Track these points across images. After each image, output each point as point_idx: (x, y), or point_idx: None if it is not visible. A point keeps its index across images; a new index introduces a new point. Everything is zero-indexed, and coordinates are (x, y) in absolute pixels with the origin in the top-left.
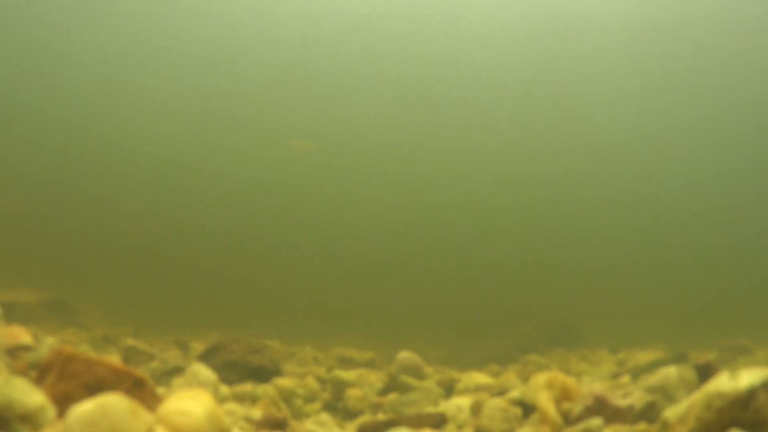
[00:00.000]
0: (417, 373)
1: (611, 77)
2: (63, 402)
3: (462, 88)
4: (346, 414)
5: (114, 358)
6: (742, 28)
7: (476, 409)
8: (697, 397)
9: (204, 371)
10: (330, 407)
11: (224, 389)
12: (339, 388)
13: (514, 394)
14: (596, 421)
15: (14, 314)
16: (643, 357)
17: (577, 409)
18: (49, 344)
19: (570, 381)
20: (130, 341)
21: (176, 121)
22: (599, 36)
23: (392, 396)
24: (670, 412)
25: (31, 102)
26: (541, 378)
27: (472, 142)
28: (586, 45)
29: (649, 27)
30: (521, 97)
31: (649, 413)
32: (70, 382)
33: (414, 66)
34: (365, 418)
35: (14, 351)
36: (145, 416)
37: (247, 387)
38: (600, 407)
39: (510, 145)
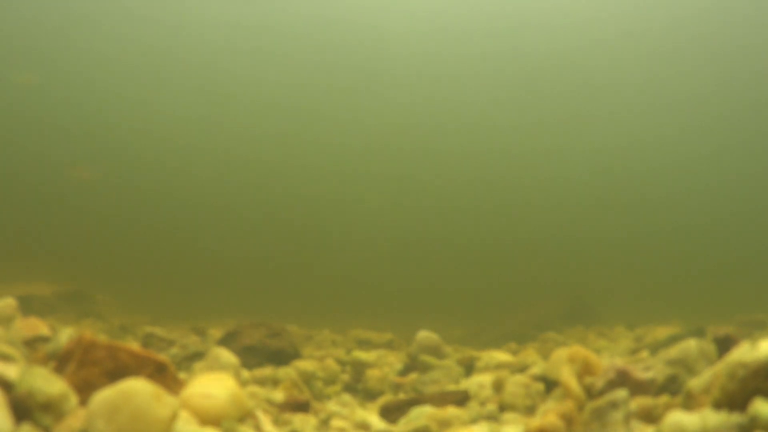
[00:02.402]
0: (436, 352)
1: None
2: (84, 390)
3: (478, 76)
4: (367, 395)
5: (134, 345)
6: (748, 21)
7: (498, 386)
8: (721, 367)
9: (225, 355)
10: (350, 389)
11: (245, 373)
12: (359, 369)
13: (535, 370)
14: (622, 393)
15: (31, 307)
16: (661, 332)
17: (599, 383)
18: (67, 334)
19: (592, 355)
20: (149, 328)
21: (187, 105)
22: (601, 32)
23: (412, 376)
24: (694, 383)
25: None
26: (562, 353)
27: (489, 122)
28: (588, 41)
29: (652, 22)
30: (536, 78)
31: (670, 386)
32: (91, 369)
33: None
34: (386, 398)
35: (32, 342)
36: (169, 400)
37: (267, 371)
38: (622, 380)
39: (523, 124)
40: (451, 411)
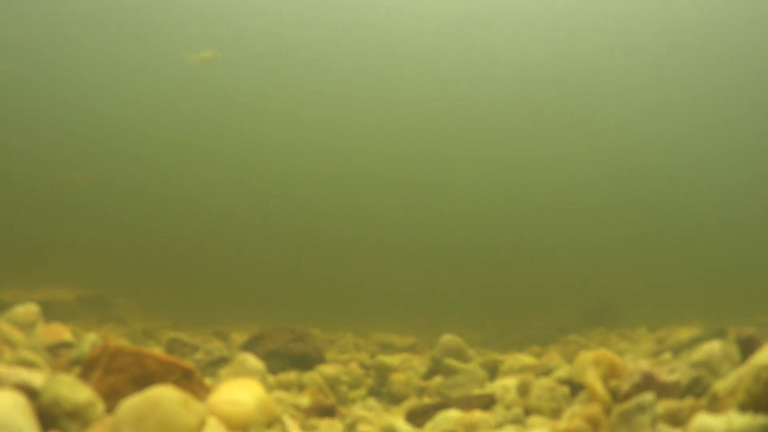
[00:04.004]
0: (460, 355)
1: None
2: (111, 397)
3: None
4: (391, 399)
5: (158, 351)
6: (751, 23)
7: (524, 390)
8: (746, 369)
9: (251, 360)
10: (374, 393)
11: (270, 378)
12: (383, 373)
13: (561, 373)
14: (649, 396)
15: (52, 312)
16: (683, 334)
17: (625, 386)
18: (90, 340)
19: (617, 358)
20: (173, 334)
21: (205, 109)
22: (609, 33)
23: (437, 379)
24: (720, 386)
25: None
26: (588, 356)
27: (509, 125)
28: (595, 42)
29: (655, 25)
30: (552, 80)
31: (695, 388)
32: (117, 376)
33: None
34: (411, 402)
35: (55, 348)
36: (197, 407)
37: (292, 375)
38: (648, 383)
39: (543, 128)
40: (478, 415)
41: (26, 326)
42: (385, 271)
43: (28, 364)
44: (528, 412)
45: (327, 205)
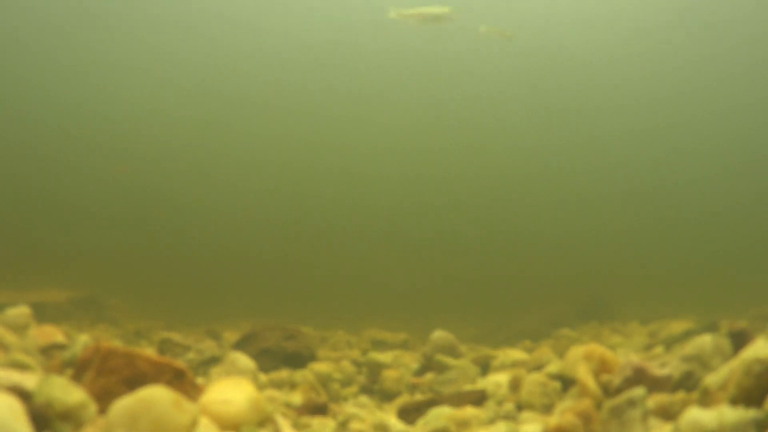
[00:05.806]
0: (452, 351)
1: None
2: (103, 398)
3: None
4: (384, 396)
5: (150, 351)
6: (747, 22)
7: (515, 385)
8: (737, 363)
9: (242, 359)
10: (366, 390)
11: (261, 377)
12: (375, 370)
13: (552, 368)
14: (640, 391)
15: (45, 314)
16: (675, 327)
17: (616, 380)
18: (83, 342)
19: (608, 353)
20: (165, 334)
21: (194, 107)
22: (598, 31)
23: (429, 376)
24: (711, 380)
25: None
26: (578, 351)
27: (501, 118)
28: (585, 40)
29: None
30: (545, 73)
31: (686, 382)
32: (109, 377)
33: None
34: (403, 399)
35: (48, 350)
36: (189, 407)
37: (284, 374)
38: (639, 377)
39: (535, 121)
40: (470, 411)
41: (18, 328)
42: (377, 267)
43: (21, 367)
44: (520, 407)
45: (319, 203)
